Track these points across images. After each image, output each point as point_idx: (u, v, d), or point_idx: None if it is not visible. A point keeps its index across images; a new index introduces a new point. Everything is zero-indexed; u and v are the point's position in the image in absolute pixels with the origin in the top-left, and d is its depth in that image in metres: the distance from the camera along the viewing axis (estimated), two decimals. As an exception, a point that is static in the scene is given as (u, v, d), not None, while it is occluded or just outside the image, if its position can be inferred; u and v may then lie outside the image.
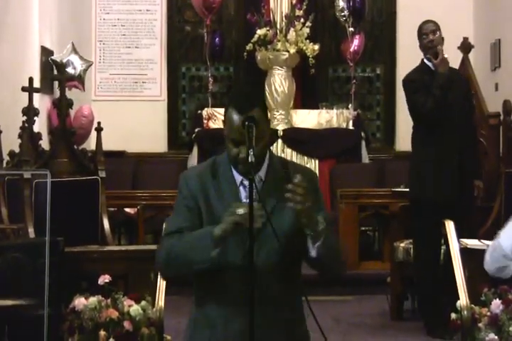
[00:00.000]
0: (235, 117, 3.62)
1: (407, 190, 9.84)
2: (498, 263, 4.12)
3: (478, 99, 9.79)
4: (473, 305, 5.50)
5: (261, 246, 3.53)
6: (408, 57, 13.31)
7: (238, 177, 3.66)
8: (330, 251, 3.59)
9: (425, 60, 8.18)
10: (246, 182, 3.54)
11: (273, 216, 3.54)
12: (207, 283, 3.73)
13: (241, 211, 3.40)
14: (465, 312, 5.44)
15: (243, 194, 3.63)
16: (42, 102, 9.51)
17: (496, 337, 5.28)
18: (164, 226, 3.97)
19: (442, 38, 8.12)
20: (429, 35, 8.01)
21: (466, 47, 9.97)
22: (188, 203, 3.70)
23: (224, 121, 3.72)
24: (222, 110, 11.45)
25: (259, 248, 3.50)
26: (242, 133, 3.51)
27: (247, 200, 3.43)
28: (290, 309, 3.81)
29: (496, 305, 5.36)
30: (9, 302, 5.09)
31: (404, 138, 13.45)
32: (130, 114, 13.11)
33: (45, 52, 10.70)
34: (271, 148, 3.82)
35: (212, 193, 3.70)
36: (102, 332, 5.25)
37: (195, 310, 3.84)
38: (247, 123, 3.51)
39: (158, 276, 5.74)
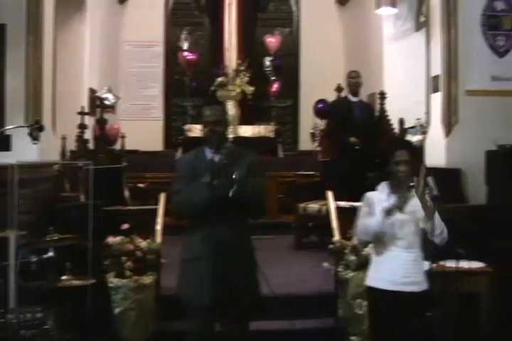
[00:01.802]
0: (207, 111, 4.03)
1: (306, 173, 9.97)
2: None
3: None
4: (343, 240, 5.54)
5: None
6: (305, 96, 13.50)
7: (209, 156, 3.96)
8: (241, 195, 3.80)
9: (348, 95, 8.16)
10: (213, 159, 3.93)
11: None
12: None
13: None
14: (338, 244, 5.49)
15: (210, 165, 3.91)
16: (90, 121, 9.52)
17: (355, 258, 5.31)
18: (172, 189, 4.05)
19: (361, 83, 8.22)
20: (354, 78, 8.03)
21: (339, 89, 9.99)
22: (184, 173, 3.99)
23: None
24: (197, 126, 11.47)
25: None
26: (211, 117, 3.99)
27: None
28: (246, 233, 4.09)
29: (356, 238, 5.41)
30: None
31: (303, 143, 13.63)
32: (142, 128, 12.98)
33: (92, 91, 10.68)
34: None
35: (195, 166, 3.97)
36: (124, 257, 5.28)
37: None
38: (211, 130, 3.97)
39: (156, 224, 5.88)
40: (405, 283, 4.02)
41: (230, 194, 3.75)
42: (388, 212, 3.98)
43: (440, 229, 4.02)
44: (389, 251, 4.10)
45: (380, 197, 4.15)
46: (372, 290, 4.18)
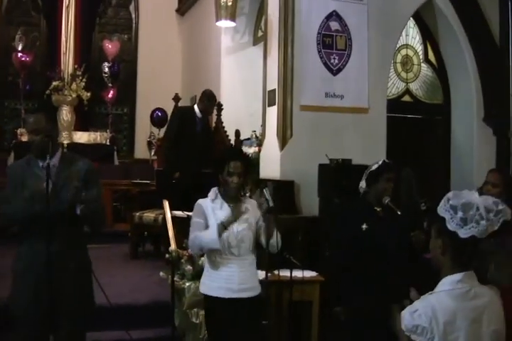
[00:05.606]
0: (30, 119, 3.86)
1: (141, 181, 9.89)
2: None
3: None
4: (178, 249, 5.53)
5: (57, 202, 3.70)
6: (142, 104, 13.50)
7: (41, 163, 3.79)
8: (89, 212, 3.75)
9: (195, 107, 8.10)
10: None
11: (64, 186, 3.77)
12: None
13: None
14: (174, 253, 5.45)
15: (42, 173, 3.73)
16: None
17: (191, 268, 5.35)
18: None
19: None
20: (211, 101, 8.07)
21: (176, 99, 9.98)
22: (12, 181, 3.84)
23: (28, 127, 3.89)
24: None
25: (55, 202, 3.68)
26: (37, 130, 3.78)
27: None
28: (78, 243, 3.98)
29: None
30: None
31: (139, 151, 13.59)
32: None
33: None
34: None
35: (27, 174, 3.83)
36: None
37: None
38: (46, 139, 3.77)
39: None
40: (242, 289, 4.11)
41: (78, 211, 3.70)
42: (225, 227, 4.06)
43: (274, 240, 4.18)
44: (224, 259, 4.17)
45: (213, 205, 4.23)
46: (208, 299, 4.22)
